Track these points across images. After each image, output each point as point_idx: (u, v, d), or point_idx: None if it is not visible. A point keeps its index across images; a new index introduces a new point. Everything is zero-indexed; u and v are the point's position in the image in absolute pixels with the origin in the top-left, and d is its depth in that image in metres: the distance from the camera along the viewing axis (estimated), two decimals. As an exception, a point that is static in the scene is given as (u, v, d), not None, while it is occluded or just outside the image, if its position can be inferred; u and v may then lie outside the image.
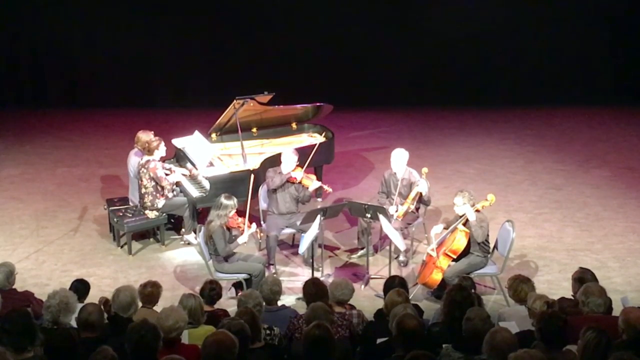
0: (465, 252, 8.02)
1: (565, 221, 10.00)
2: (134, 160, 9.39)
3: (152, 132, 9.47)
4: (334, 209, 8.67)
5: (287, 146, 9.83)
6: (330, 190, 9.17)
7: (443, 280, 7.91)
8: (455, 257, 7.99)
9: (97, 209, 10.23)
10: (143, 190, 9.09)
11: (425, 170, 8.73)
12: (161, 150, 9.15)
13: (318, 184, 9.04)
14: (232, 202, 8.08)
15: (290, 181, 8.87)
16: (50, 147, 12.67)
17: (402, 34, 14.46)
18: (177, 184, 9.32)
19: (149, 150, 9.09)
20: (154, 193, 9.08)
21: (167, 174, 9.18)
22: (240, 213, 8.42)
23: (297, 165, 8.94)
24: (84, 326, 5.58)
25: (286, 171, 8.88)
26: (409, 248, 9.01)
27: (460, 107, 14.32)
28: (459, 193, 8.04)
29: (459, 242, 7.93)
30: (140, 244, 9.39)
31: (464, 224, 7.99)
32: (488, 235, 8.03)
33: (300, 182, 8.91)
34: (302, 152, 9.25)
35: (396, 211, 8.70)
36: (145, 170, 9.02)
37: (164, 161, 9.36)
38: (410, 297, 6.67)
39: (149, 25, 14.33)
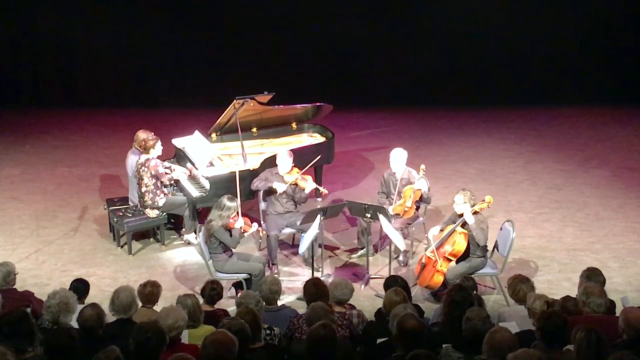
0: (466, 253, 8.01)
1: (565, 221, 9.99)
2: (131, 159, 9.38)
3: (152, 132, 9.48)
4: (334, 209, 8.68)
5: (287, 146, 9.83)
6: (325, 192, 9.20)
7: (444, 281, 7.92)
8: (455, 259, 7.98)
9: (97, 209, 10.23)
10: (144, 189, 9.08)
11: (422, 167, 8.72)
12: (157, 149, 9.13)
13: (313, 185, 9.02)
14: (235, 204, 8.07)
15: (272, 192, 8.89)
16: (50, 147, 12.67)
17: (402, 34, 14.45)
18: (176, 181, 9.32)
19: (145, 149, 9.09)
20: (155, 191, 9.07)
21: (166, 173, 9.19)
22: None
23: (294, 167, 8.94)
24: (84, 328, 5.58)
25: (282, 173, 8.91)
26: (409, 249, 9.00)
27: (460, 107, 14.32)
28: (461, 191, 8.01)
29: (459, 244, 7.89)
30: (140, 244, 9.39)
31: (462, 226, 7.98)
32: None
33: (295, 184, 8.91)
34: (302, 154, 9.23)
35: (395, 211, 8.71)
36: (145, 169, 9.01)
37: (164, 160, 9.36)
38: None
39: (149, 25, 14.32)
